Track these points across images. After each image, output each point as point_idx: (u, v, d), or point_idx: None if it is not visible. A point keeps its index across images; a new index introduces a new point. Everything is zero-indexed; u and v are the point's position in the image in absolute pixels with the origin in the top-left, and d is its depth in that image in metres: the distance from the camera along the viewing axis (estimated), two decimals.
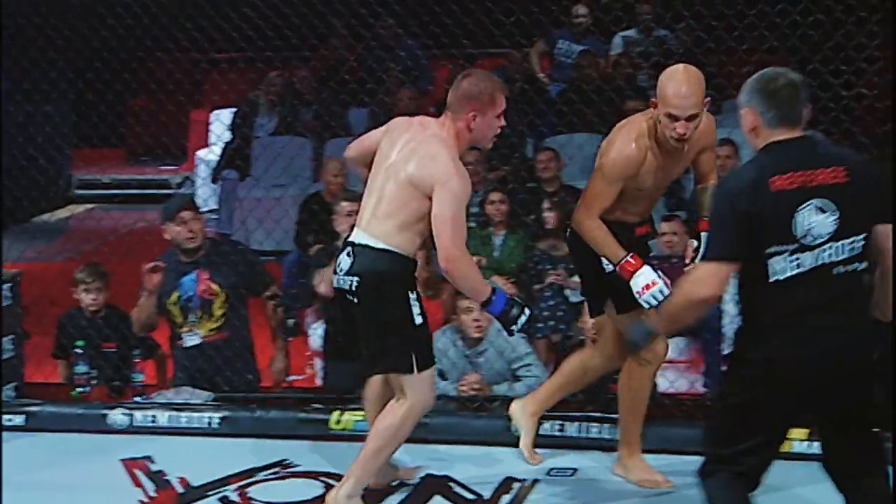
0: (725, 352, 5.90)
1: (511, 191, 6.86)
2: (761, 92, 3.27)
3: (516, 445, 4.95)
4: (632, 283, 4.20)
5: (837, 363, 3.25)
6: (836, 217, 3.20)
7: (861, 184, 3.23)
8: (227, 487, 4.72)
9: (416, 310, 4.12)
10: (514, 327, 4.10)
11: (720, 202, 3.35)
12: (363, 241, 4.09)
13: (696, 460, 3.53)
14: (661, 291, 4.17)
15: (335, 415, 5.27)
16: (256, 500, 4.62)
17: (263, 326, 5.87)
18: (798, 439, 4.74)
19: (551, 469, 4.84)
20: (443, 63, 8.72)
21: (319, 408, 5.35)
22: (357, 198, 6.05)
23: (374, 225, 4.09)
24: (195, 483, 4.76)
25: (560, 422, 5.09)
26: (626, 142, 4.19)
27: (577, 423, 5.08)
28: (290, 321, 6.32)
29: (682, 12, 5.50)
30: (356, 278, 4.07)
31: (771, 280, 3.24)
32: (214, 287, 5.60)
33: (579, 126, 7.01)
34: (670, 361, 6.16)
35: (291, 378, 6.09)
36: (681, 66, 4.11)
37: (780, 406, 3.33)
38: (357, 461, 4.20)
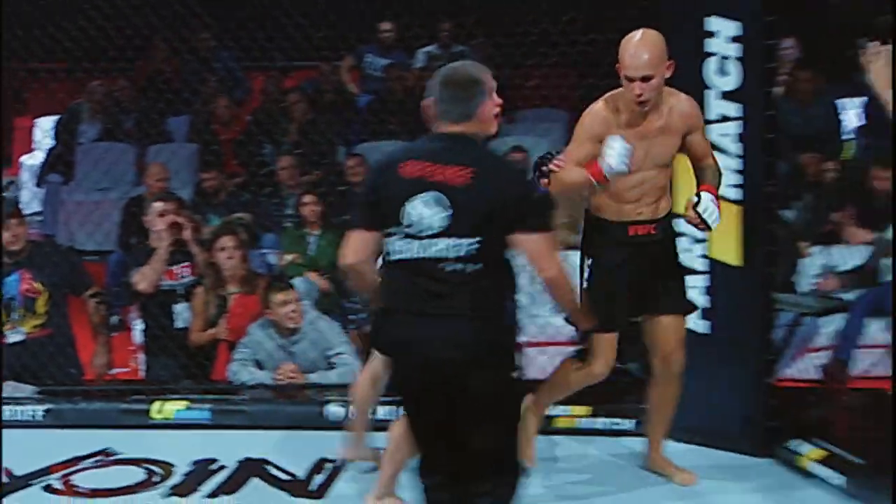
0: None
1: (323, 194, 6.98)
2: (437, 85, 3.18)
3: (330, 429, 5.05)
4: (603, 166, 3.88)
5: (434, 352, 3.12)
6: (447, 214, 3.07)
7: (482, 190, 3.07)
8: (50, 476, 4.70)
9: None
10: None
11: (367, 175, 3.34)
12: None
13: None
14: (623, 147, 3.86)
15: (156, 405, 5.30)
16: (80, 487, 4.60)
17: (87, 323, 5.83)
18: (582, 416, 5.02)
19: None
20: (256, 74, 8.76)
21: (141, 399, 5.38)
22: (174, 199, 6.10)
23: None
24: (18, 473, 4.71)
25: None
26: (593, 104, 4.07)
27: (387, 407, 5.18)
28: (114, 318, 6.29)
29: (473, 31, 5.69)
30: None
31: (389, 259, 3.18)
32: (37, 286, 5.56)
33: (384, 134, 7.17)
34: None
35: (116, 371, 6.06)
36: (639, 30, 3.97)
37: (405, 387, 3.28)
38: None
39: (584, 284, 4.02)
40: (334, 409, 5.22)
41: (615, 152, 3.84)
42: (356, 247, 3.24)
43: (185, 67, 8.33)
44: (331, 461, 4.79)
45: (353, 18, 5.92)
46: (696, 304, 4.50)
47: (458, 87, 3.16)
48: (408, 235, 3.13)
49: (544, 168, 4.22)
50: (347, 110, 7.15)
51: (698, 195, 4.05)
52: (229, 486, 4.57)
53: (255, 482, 4.61)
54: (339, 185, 7.33)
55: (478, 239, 3.09)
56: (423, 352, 3.14)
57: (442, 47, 8.14)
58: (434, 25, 7.57)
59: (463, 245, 3.09)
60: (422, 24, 5.70)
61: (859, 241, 6.61)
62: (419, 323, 3.14)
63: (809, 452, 4.49)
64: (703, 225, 4.05)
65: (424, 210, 3.10)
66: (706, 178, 4.12)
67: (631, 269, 4.13)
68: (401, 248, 3.14)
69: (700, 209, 4.01)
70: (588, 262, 4.05)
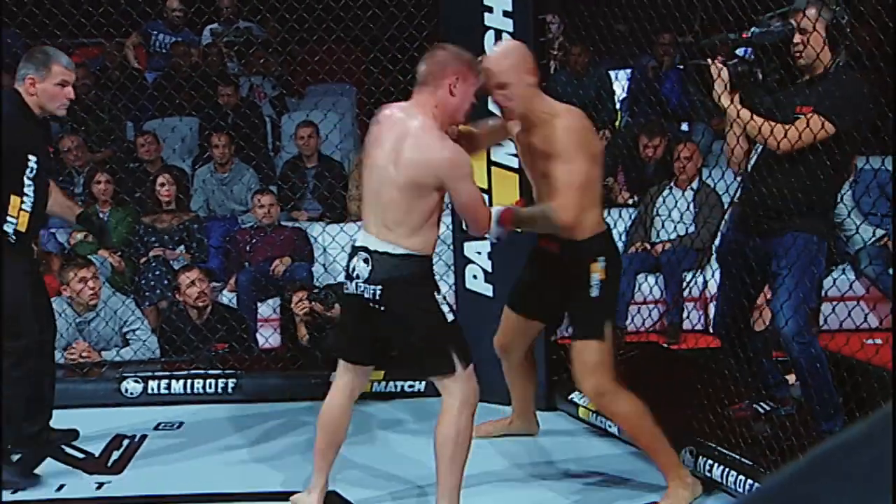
0: None
1: (113, 171, 6.77)
2: None
3: (127, 405, 5.03)
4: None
5: None
6: None
7: None
8: None
9: (445, 308, 3.64)
10: None
11: None
12: (381, 248, 3.57)
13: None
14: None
15: None
16: None
17: None
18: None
19: (159, 423, 4.89)
20: None
21: None
22: None
23: (386, 233, 3.57)
24: None
25: (167, 380, 5.17)
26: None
27: (182, 381, 5.17)
28: None
29: (256, 6, 5.61)
30: (378, 287, 3.57)
31: None
32: None
33: (171, 110, 6.98)
34: (266, 320, 6.33)
35: None
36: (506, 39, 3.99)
37: None
38: (440, 474, 3.70)
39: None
40: (131, 385, 5.11)
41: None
42: None
43: None
44: (128, 436, 4.71)
45: None
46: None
47: None
48: None
49: None
50: (134, 87, 6.91)
51: None
52: (23, 469, 4.37)
53: (50, 463, 4.45)
54: (129, 162, 7.11)
55: None
56: None
57: (225, 23, 7.99)
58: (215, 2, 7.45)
59: None
60: (202, 2, 5.54)
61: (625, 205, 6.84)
62: None
63: (588, 403, 4.60)
64: None
65: None
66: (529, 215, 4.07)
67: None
68: None
69: None
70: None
